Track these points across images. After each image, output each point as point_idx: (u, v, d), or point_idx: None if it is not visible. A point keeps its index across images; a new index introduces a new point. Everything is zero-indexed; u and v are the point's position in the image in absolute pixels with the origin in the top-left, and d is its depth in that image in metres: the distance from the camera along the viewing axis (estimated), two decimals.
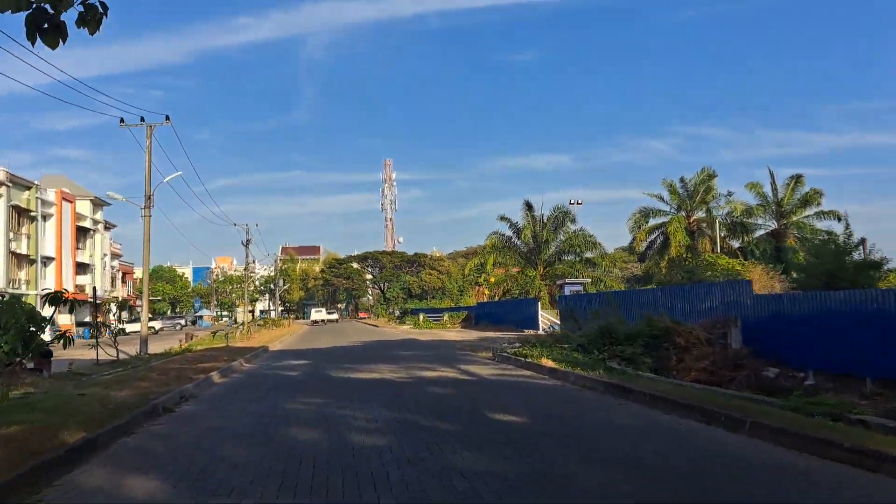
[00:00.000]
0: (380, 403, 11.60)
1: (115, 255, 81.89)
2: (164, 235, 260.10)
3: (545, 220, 59.76)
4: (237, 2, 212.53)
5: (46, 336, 43.18)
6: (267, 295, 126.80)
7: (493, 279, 58.61)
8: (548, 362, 17.19)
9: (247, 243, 64.53)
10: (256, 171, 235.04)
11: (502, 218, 61.05)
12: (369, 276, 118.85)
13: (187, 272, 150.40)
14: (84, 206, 70.06)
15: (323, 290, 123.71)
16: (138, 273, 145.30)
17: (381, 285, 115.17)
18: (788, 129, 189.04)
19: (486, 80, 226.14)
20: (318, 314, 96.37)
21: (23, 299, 17.31)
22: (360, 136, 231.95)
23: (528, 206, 60.17)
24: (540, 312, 42.25)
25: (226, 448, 8.19)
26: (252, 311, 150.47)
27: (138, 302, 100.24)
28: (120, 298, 76.87)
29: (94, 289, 31.55)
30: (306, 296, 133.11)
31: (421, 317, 57.81)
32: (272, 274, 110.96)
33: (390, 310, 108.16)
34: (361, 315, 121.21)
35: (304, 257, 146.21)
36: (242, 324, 46.67)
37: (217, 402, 12.69)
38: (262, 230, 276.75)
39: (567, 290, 46.46)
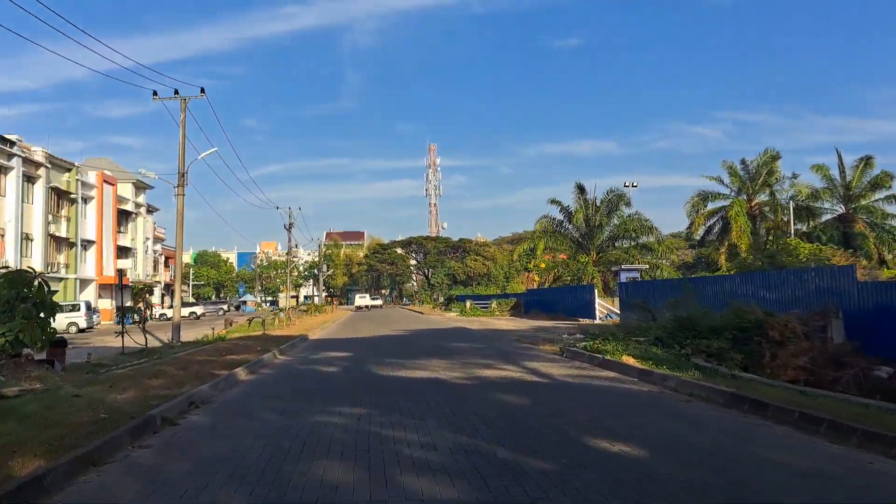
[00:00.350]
0: (437, 417, 8.93)
1: (157, 239, 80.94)
2: (209, 221, 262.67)
3: (598, 204, 56.40)
4: None
5: (65, 321, 41.44)
6: (311, 280, 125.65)
7: (543, 265, 55.59)
8: (631, 361, 14.32)
9: (289, 227, 62.62)
10: (302, 157, 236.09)
11: (553, 201, 57.94)
12: (413, 262, 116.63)
13: (232, 257, 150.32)
14: (126, 189, 68.93)
15: (367, 275, 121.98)
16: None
17: (426, 271, 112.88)
18: (844, 114, 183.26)
19: (529, 65, 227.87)
20: (361, 300, 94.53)
21: (53, 284, 15.00)
22: (405, 122, 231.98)
23: (581, 189, 56.88)
24: (596, 300, 39.16)
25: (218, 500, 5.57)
26: (296, 297, 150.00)
27: (184, 288, 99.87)
28: (153, 284, 76.04)
29: (121, 272, 29.46)
30: (350, 281, 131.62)
31: (468, 304, 55.15)
32: (316, 259, 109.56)
33: (434, 296, 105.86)
34: (405, 302, 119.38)
35: (348, 242, 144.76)
36: (283, 309, 44.68)
37: (231, 413, 10.13)
38: (308, 216, 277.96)
39: (623, 277, 43.40)
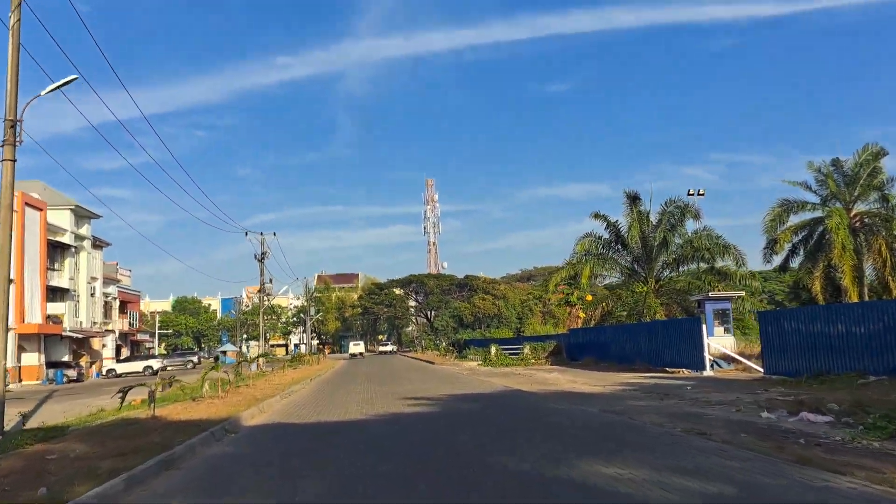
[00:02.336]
0: None
1: (109, 280, 66.98)
2: (193, 270, 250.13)
3: (658, 219, 43.13)
4: (277, 43, 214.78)
5: None
6: (301, 327, 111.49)
7: (590, 297, 42.06)
8: None
9: (261, 257, 49.00)
10: (295, 205, 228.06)
11: (597, 216, 44.52)
12: (413, 304, 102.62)
13: (215, 304, 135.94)
14: (62, 218, 55.32)
15: (362, 319, 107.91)
16: (147, 305, 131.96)
17: (427, 313, 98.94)
18: (828, 153, 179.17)
19: (520, 111, 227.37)
20: (356, 347, 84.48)
21: None
22: (398, 169, 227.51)
23: (633, 200, 43.54)
24: (707, 342, 25.57)
25: None
26: (285, 346, 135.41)
27: (147, 338, 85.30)
28: (101, 333, 61.80)
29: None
30: (343, 327, 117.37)
31: (493, 350, 41.34)
32: (305, 303, 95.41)
33: (438, 341, 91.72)
34: (383, 348, 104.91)
35: (340, 286, 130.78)
36: (241, 363, 31.28)
37: None
38: (300, 263, 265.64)
39: (709, 309, 30.18)
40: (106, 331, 64.38)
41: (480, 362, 41.40)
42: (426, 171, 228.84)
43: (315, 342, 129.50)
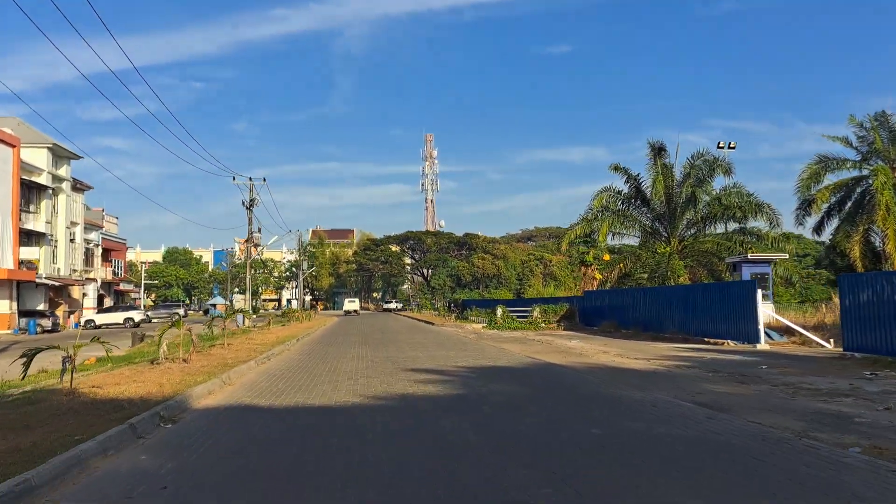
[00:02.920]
0: None
1: (92, 226, 62.64)
2: (185, 221, 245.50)
3: (684, 173, 39.04)
4: None
5: None
6: (294, 282, 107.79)
7: (607, 257, 38.03)
8: None
9: (249, 204, 44.74)
10: (291, 162, 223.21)
11: (617, 168, 40.37)
12: (409, 261, 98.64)
13: (207, 256, 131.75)
14: (37, 157, 50.77)
15: (356, 276, 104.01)
16: (138, 255, 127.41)
17: (424, 271, 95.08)
18: (829, 122, 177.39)
19: (520, 72, 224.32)
20: (350, 304, 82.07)
21: None
22: (395, 127, 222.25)
23: (658, 152, 39.36)
24: (762, 311, 21.69)
25: None
26: (278, 301, 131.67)
27: (132, 288, 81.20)
28: (82, 282, 57.71)
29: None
30: (337, 283, 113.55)
31: (499, 311, 37.48)
32: (298, 257, 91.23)
33: (434, 300, 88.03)
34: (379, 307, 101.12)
35: (335, 241, 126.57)
36: (216, 319, 27.63)
37: None
38: (295, 220, 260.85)
39: (746, 273, 26.43)
40: (87, 279, 60.32)
41: (485, 325, 37.57)
42: (422, 130, 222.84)
43: (308, 298, 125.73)
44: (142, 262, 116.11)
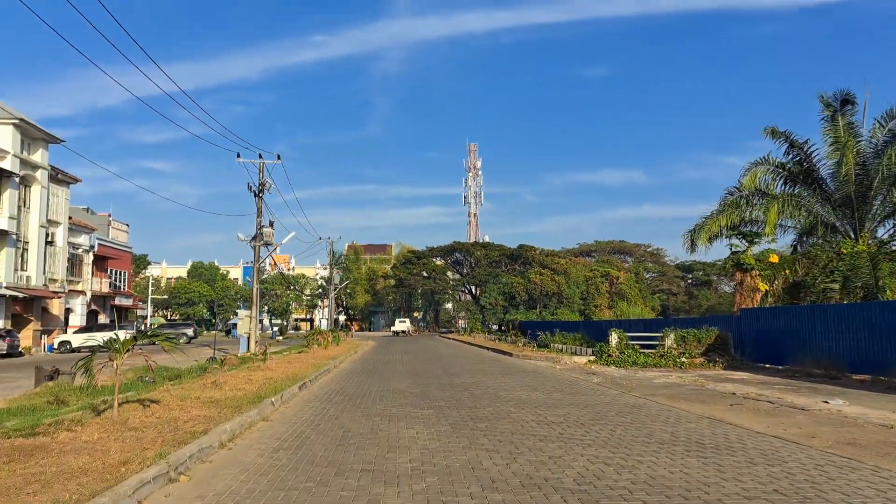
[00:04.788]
0: None
1: (81, 228, 51.40)
2: (220, 238, 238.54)
3: (886, 139, 26.19)
4: (312, 21, 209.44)
5: None
6: (327, 300, 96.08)
7: (774, 258, 25.20)
8: None
9: (259, 190, 32.96)
10: (329, 184, 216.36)
11: (775, 132, 27.56)
12: (455, 277, 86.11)
13: (235, 272, 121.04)
14: (2, 136, 39.77)
15: (395, 293, 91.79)
16: (164, 270, 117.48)
17: (472, 288, 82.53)
18: None
19: (557, 94, 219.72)
20: (401, 324, 76.06)
21: None
22: (432, 150, 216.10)
23: (842, 105, 26.62)
24: None
25: None
26: (310, 321, 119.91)
27: (132, 303, 69.91)
28: (58, 294, 46.22)
29: None
30: (373, 301, 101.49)
31: (614, 338, 24.61)
32: (330, 271, 79.11)
33: (485, 321, 75.36)
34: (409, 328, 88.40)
35: (372, 256, 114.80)
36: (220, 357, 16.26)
37: None
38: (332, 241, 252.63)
39: None
40: (72, 291, 49.11)
41: (594, 359, 24.84)
42: (460, 153, 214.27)
43: (342, 318, 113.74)
44: (158, 278, 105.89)
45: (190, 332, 56.82)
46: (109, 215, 71.45)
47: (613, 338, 24.84)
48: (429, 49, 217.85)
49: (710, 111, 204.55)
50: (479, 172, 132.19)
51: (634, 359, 23.65)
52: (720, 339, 24.50)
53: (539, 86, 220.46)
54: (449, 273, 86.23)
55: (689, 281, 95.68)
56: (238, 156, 33.28)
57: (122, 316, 61.66)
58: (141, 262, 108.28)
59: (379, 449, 7.69)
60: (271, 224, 33.63)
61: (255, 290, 33.62)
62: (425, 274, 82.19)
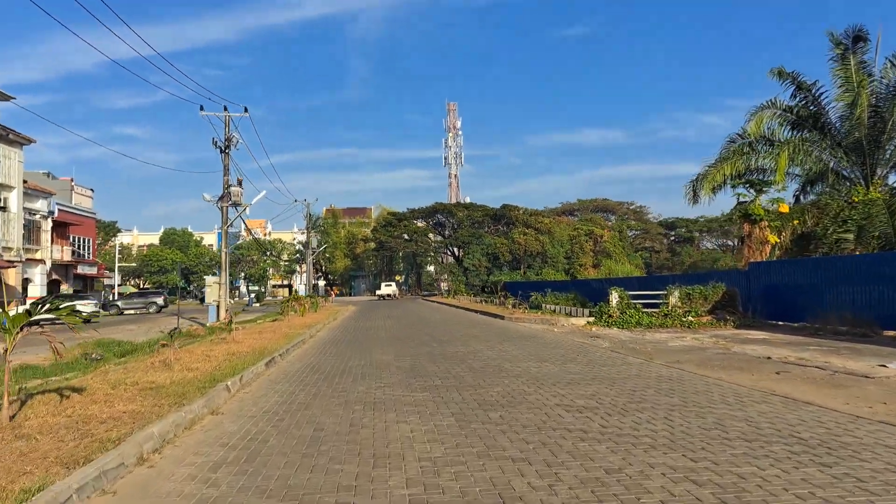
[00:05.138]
0: None
1: (39, 193, 48.30)
2: (195, 205, 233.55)
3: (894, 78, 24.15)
4: None
5: None
6: (305, 265, 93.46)
7: (785, 208, 23.24)
8: None
9: (225, 145, 30.31)
10: (307, 148, 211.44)
11: (781, 73, 25.40)
12: (437, 239, 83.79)
13: (210, 238, 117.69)
14: None
15: (375, 256, 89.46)
16: (135, 237, 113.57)
17: (454, 250, 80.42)
18: None
19: (535, 55, 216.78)
20: (387, 287, 75.80)
21: None
22: (411, 112, 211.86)
23: (853, 42, 24.48)
24: None
25: None
26: (289, 287, 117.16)
27: (99, 272, 66.89)
28: (13, 263, 43.40)
29: None
30: (354, 265, 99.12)
31: (614, 297, 22.55)
32: (312, 237, 76.29)
33: (468, 283, 73.46)
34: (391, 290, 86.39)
35: (351, 220, 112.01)
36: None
37: None
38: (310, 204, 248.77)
39: None
40: (29, 260, 46.19)
41: (592, 319, 22.87)
42: (439, 115, 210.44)
43: (322, 283, 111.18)
44: (128, 245, 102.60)
45: (160, 300, 54.21)
46: (72, 180, 67.97)
47: (614, 297, 22.83)
48: (407, 8, 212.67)
49: (687, 69, 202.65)
50: (460, 133, 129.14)
51: (637, 319, 21.71)
52: (727, 296, 22.60)
53: (518, 46, 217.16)
54: (431, 235, 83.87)
55: (672, 238, 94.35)
56: (201, 108, 30.51)
57: (87, 285, 58.81)
58: (110, 230, 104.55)
59: (361, 460, 5.52)
60: (239, 183, 31.01)
61: (223, 254, 31.20)
62: (406, 236, 79.81)
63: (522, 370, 11.15)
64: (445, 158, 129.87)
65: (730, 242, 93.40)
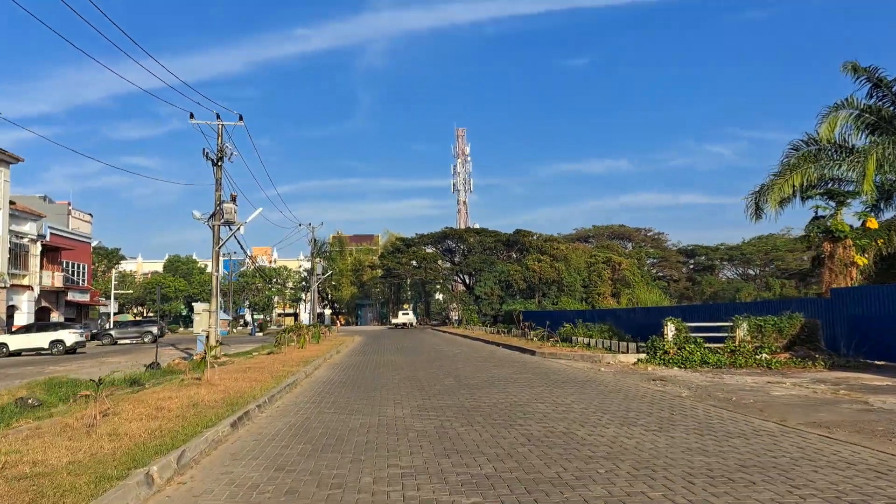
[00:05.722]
0: None
1: (27, 215, 44.91)
2: (198, 228, 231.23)
3: None
4: (294, 14, 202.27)
5: None
6: (309, 293, 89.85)
7: (873, 223, 19.54)
8: None
9: (218, 157, 26.86)
10: (314, 178, 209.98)
11: (854, 68, 21.79)
12: (446, 265, 79.98)
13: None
14: None
15: (382, 285, 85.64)
16: (139, 265, 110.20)
17: (466, 277, 76.54)
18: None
19: (541, 85, 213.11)
20: (404, 316, 74.62)
21: None
22: (418, 142, 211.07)
23: None
24: None
25: None
26: (294, 315, 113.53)
27: (93, 300, 63.27)
28: (36, 289, 39.73)
29: None
30: (360, 294, 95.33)
31: (670, 328, 18.72)
32: (317, 263, 72.64)
33: (481, 312, 69.51)
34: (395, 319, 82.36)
35: (358, 246, 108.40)
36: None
37: None
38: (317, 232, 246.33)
39: None
40: (15, 286, 42.67)
41: (643, 357, 19.00)
42: (446, 145, 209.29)
43: (328, 312, 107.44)
44: (132, 273, 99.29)
45: (155, 330, 50.46)
46: (69, 204, 64.91)
47: (670, 329, 18.98)
48: (413, 41, 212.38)
49: (693, 99, 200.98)
50: (468, 158, 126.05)
51: (702, 356, 17.86)
52: (806, 329, 18.73)
53: (523, 77, 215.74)
54: (440, 261, 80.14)
55: (692, 266, 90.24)
56: (191, 116, 27.03)
57: (81, 314, 55.24)
58: (113, 257, 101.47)
59: None
60: (233, 199, 27.43)
61: (214, 277, 27.56)
62: (415, 263, 76.02)
63: (610, 442, 7.36)
64: (454, 185, 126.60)
65: (751, 272, 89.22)
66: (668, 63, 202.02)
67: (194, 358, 25.00)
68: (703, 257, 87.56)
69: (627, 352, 20.51)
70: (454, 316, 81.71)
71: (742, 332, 18.70)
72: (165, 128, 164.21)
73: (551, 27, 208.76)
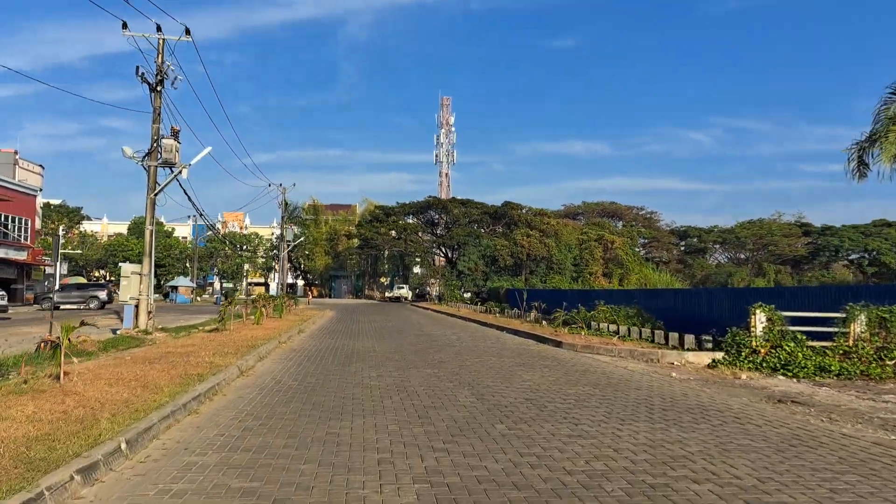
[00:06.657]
0: None
1: None
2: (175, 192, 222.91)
3: None
4: None
5: None
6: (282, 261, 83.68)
7: None
8: None
9: (157, 81, 20.69)
10: (295, 147, 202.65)
11: None
12: (428, 238, 74.12)
13: (183, 230, 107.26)
14: None
15: (358, 255, 79.60)
16: (105, 227, 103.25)
17: (448, 251, 70.84)
18: (832, 124, 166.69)
19: (524, 64, 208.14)
20: (399, 290, 73.57)
21: None
22: (399, 115, 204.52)
23: None
24: None
25: None
26: (265, 285, 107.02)
27: (37, 257, 56.57)
28: None
29: None
30: (335, 264, 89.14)
31: (761, 317, 13.35)
32: (288, 229, 66.16)
33: (463, 288, 64.07)
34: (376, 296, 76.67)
35: (335, 215, 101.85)
36: None
37: None
38: (297, 200, 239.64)
39: None
40: None
41: (719, 356, 13.57)
42: (427, 119, 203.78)
43: (300, 283, 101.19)
44: (96, 234, 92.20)
45: (103, 294, 44.38)
46: (16, 152, 57.98)
47: (759, 319, 13.48)
48: (397, 13, 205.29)
49: (673, 85, 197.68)
50: (453, 129, 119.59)
51: (817, 361, 12.45)
52: None
53: (508, 54, 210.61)
54: (420, 233, 74.29)
55: (683, 248, 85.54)
56: (124, 26, 20.80)
57: (23, 273, 48.80)
58: (74, 216, 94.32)
59: None
60: (175, 134, 21.34)
61: (148, 232, 21.60)
62: (394, 234, 70.07)
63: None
64: (437, 156, 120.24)
65: (742, 255, 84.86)
66: (647, 49, 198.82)
67: (120, 332, 19.21)
68: (696, 239, 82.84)
69: (681, 346, 15.07)
70: (433, 291, 76.22)
71: (859, 326, 13.33)
72: (138, 92, 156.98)
73: (537, 6, 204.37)
